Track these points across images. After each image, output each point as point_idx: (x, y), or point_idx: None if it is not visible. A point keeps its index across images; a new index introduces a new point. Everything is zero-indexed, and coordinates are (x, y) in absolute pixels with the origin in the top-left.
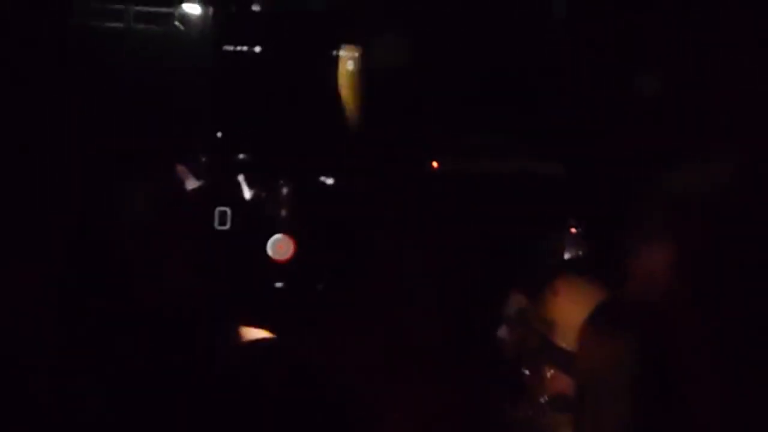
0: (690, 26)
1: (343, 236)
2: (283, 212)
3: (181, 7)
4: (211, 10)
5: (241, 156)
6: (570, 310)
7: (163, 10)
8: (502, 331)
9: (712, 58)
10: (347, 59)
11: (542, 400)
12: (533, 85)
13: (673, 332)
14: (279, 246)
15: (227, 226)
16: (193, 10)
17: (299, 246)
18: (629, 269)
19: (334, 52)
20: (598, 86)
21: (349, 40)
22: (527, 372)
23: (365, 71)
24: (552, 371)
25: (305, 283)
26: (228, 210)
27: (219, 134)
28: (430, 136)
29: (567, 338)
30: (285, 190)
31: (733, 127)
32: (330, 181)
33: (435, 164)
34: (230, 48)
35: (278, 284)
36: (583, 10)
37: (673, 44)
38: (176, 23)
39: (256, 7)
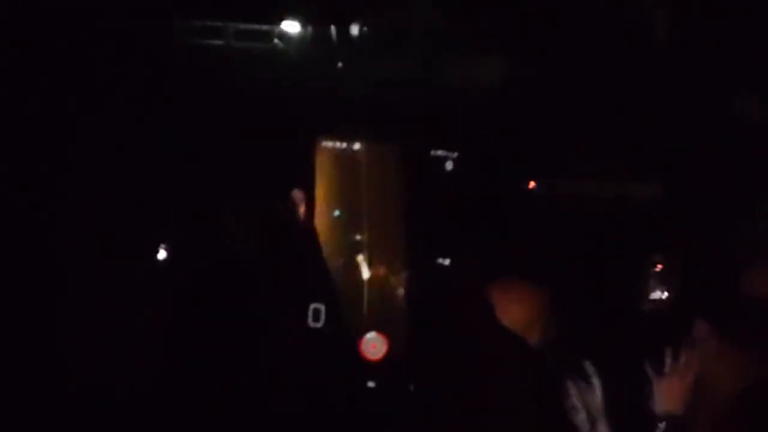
0: None
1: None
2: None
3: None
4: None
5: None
6: None
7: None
8: None
9: None
10: None
11: None
12: (635, 109)
13: None
14: (372, 345)
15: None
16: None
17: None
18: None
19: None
20: (700, 110)
21: None
22: None
23: None
24: None
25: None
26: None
27: None
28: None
29: None
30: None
31: None
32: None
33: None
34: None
35: (371, 383)
36: (684, 34)
37: None
38: (276, 41)
39: None
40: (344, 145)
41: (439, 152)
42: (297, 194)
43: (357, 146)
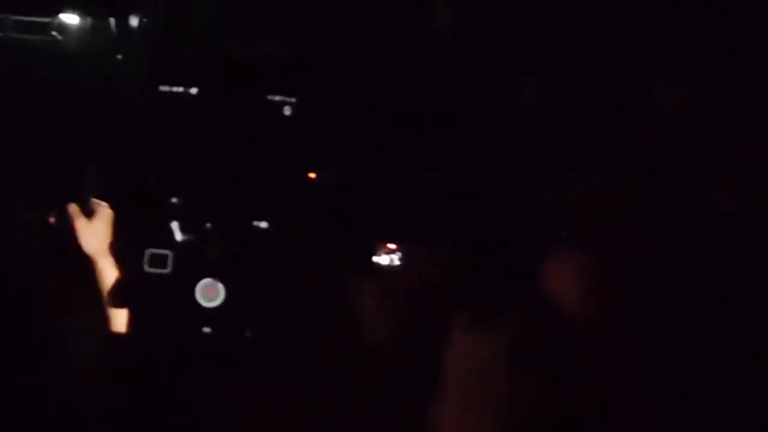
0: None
1: (274, 282)
2: (214, 257)
3: (59, 18)
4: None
5: (173, 200)
6: None
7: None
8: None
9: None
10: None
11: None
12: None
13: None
14: (208, 291)
15: (163, 269)
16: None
17: (229, 291)
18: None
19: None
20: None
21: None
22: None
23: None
24: None
25: (234, 329)
26: (162, 252)
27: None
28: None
29: None
30: (216, 235)
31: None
32: (263, 225)
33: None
34: (165, 88)
35: (206, 330)
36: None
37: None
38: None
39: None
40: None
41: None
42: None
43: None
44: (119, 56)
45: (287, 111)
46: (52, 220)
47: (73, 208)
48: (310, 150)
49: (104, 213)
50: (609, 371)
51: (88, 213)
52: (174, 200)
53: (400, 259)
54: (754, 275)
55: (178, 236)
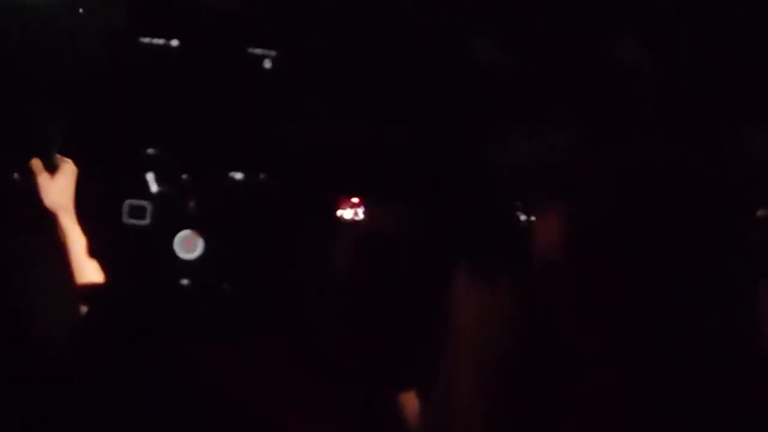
0: None
1: (252, 234)
2: (192, 208)
3: None
4: None
5: (149, 151)
6: None
7: None
8: None
9: None
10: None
11: None
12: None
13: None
14: (186, 243)
15: (141, 220)
16: None
17: (207, 243)
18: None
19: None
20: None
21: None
22: None
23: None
24: None
25: (211, 282)
26: (141, 203)
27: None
28: None
29: None
30: (193, 186)
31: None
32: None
33: None
34: (146, 40)
35: (184, 281)
36: None
37: None
38: None
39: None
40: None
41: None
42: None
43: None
44: (80, 10)
45: (267, 64)
46: (15, 176)
47: (36, 164)
48: (289, 104)
49: (68, 169)
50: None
51: (51, 169)
52: (150, 151)
53: (364, 214)
54: (714, 226)
55: (154, 187)
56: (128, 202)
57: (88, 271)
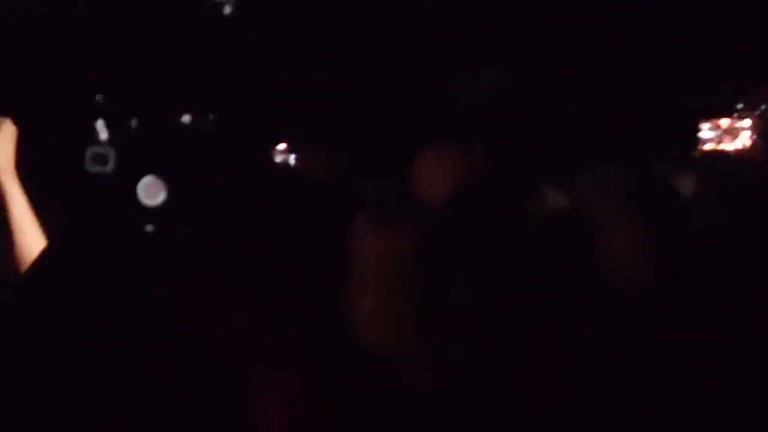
0: None
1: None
2: (155, 154)
3: None
4: None
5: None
6: None
7: None
8: None
9: None
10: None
11: None
12: None
13: None
14: (149, 189)
15: (103, 167)
16: None
17: (170, 189)
18: None
19: None
20: None
21: None
22: None
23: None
24: None
25: (175, 228)
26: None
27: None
28: None
29: None
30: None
31: None
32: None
33: None
34: None
35: (148, 228)
36: None
37: None
38: None
39: None
40: None
41: None
42: None
43: None
44: None
45: (227, 9)
46: None
47: None
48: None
49: (5, 128)
50: None
51: None
52: (98, 97)
53: (295, 159)
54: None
55: (103, 134)
56: (91, 148)
57: (31, 233)
